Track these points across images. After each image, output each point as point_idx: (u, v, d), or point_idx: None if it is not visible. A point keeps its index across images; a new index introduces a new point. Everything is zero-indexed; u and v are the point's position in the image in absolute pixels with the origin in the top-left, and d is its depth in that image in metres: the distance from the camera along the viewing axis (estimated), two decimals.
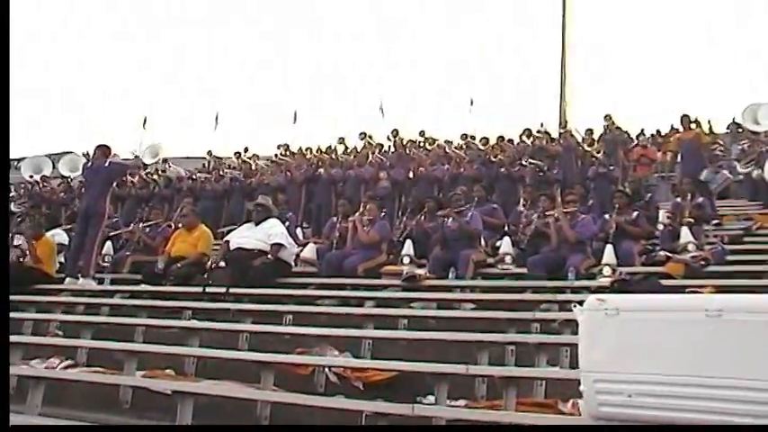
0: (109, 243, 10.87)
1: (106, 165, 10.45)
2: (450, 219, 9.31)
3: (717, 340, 3.27)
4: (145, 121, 22.81)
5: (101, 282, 10.00)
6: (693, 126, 13.91)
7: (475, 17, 57.00)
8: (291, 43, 66.16)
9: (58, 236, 11.14)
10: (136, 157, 12.01)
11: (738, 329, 3.24)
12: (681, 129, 14.17)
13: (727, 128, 17.32)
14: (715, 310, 3.30)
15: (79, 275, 9.64)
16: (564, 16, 26.73)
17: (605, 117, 16.13)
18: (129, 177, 15.45)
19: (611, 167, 12.99)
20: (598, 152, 13.57)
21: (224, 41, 65.77)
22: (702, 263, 8.25)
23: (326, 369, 6.11)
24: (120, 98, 55.62)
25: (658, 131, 19.26)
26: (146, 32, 62.27)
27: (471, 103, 22.93)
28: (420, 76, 60.35)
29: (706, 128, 15.38)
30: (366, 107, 32.13)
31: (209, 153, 20.87)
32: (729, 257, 8.88)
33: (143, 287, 9.47)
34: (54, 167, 16.63)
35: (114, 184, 11.21)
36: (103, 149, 10.60)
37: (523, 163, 13.35)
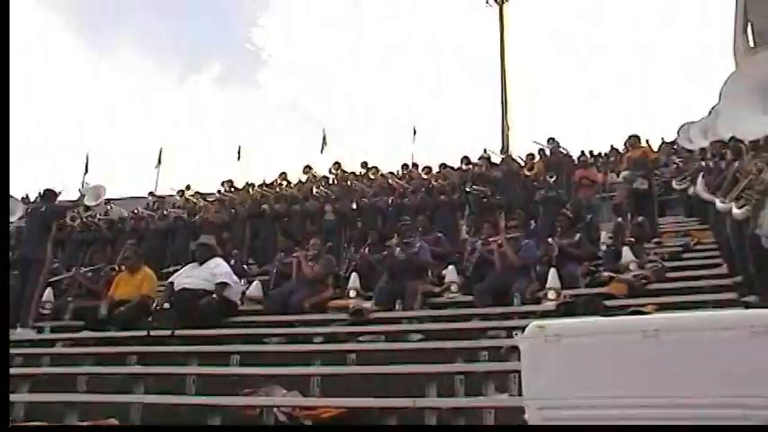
0: (49, 289, 10.59)
1: (42, 209, 10.21)
2: (398, 249, 9.31)
3: (655, 360, 3.29)
4: (87, 160, 22.53)
5: (40, 330, 9.73)
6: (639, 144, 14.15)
7: (415, 45, 57.69)
8: (232, 80, 66.03)
9: None
10: (81, 196, 11.70)
11: (675, 348, 3.26)
12: (624, 149, 14.39)
13: (659, 148, 17.70)
14: (652, 330, 3.33)
15: (18, 325, 9.33)
16: (502, 42, 27.35)
17: (549, 140, 16.38)
18: (68, 220, 15.16)
19: (560, 191, 13.16)
20: (542, 176, 13.73)
21: (163, 78, 65.25)
22: (644, 281, 8.42)
23: (275, 409, 6.02)
24: (58, 138, 54.60)
25: (600, 153, 19.66)
26: (84, 68, 61.34)
27: (414, 132, 23.23)
28: (362, 105, 60.72)
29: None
30: (308, 140, 32.18)
31: (151, 193, 20.66)
32: (670, 274, 9.05)
33: (86, 334, 9.24)
34: None
35: (53, 227, 10.92)
36: (49, 194, 10.37)
37: (467, 189, 13.45)
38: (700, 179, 9.38)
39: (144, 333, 8.52)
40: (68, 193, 11.77)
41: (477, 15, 44.07)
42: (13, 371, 7.80)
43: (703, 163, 10.70)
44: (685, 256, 10.45)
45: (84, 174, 24.41)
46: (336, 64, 62.98)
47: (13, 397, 6.83)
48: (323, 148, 21.53)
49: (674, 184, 13.20)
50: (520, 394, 3.67)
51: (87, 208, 15.24)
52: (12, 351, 8.64)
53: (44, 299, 10.30)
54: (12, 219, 15.14)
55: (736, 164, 7.93)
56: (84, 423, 6.11)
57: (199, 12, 64.73)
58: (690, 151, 13.99)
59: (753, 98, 7.38)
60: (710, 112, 11.91)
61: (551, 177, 13.64)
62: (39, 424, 4.84)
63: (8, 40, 5.94)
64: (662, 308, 6.84)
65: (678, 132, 14.45)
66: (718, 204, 7.52)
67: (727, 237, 7.64)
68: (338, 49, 63.70)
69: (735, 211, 6.78)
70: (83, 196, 11.66)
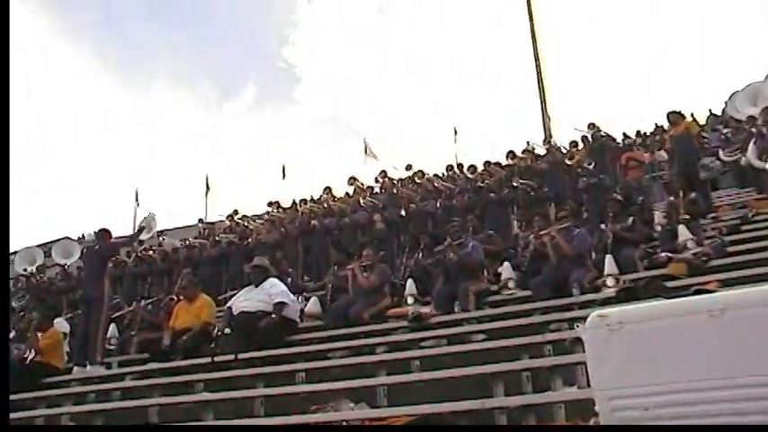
0: (113, 325, 10.81)
1: (97, 248, 10.44)
2: (451, 252, 9.27)
3: (724, 339, 3.22)
4: (137, 194, 23.00)
5: (109, 366, 9.94)
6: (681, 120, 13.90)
7: (446, 47, 57.62)
8: (268, 101, 66.72)
9: (61, 325, 11.03)
10: (139, 230, 11.93)
11: (744, 326, 3.19)
12: (668, 126, 14.13)
13: (706, 121, 17.34)
14: (717, 309, 3.26)
15: (87, 363, 9.55)
16: (533, 32, 27.14)
17: (589, 126, 16.19)
18: (124, 256, 15.47)
19: (602, 176, 12.98)
20: (588, 163, 13.56)
21: (200, 107, 66.27)
22: (704, 258, 8.23)
23: (344, 423, 6.03)
24: (108, 177, 55.77)
25: (644, 132, 19.32)
26: (124, 106, 62.69)
27: (455, 132, 23.15)
28: (399, 112, 60.79)
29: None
30: (350, 152, 32.24)
31: (201, 220, 20.94)
32: (730, 249, 8.84)
33: (152, 365, 9.40)
34: (48, 256, 16.58)
35: (109, 264, 11.16)
36: (103, 234, 10.59)
37: (514, 184, 13.34)
38: (751, 146, 9.15)
39: (208, 360, 8.64)
40: (122, 229, 12.04)
41: (506, 11, 43.92)
42: (86, 407, 8.01)
43: (753, 130, 10.42)
44: (744, 228, 10.19)
45: (136, 208, 24.93)
46: (370, 73, 63.12)
47: None
48: (366, 158, 21.56)
49: (723, 156, 12.92)
50: (588, 386, 3.61)
51: (141, 242, 15.52)
52: (82, 388, 8.88)
53: (109, 335, 10.52)
54: (70, 260, 15.57)
55: None
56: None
57: (227, 36, 65.49)
58: (739, 121, 13.70)
59: None
60: (765, 79, 11.63)
61: (590, 164, 13.43)
62: (39, 424, 4.91)
63: (8, 40, 6.04)
64: (725, 284, 6.70)
65: (726, 103, 14.16)
66: None
67: None
68: (370, 59, 63.85)
69: None
70: (139, 231, 11.86)
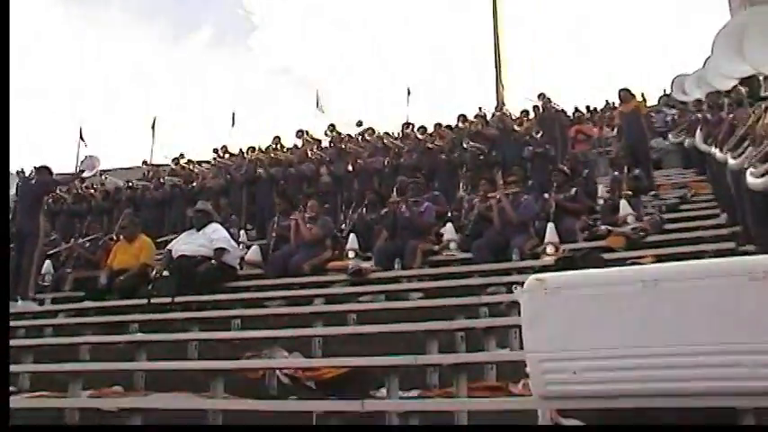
0: (48, 261, 10.60)
1: (34, 183, 10.18)
2: (404, 207, 9.27)
3: (655, 309, 3.30)
4: (81, 132, 22.42)
5: (41, 303, 9.75)
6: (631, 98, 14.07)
7: (408, 6, 57.20)
8: (223, 45, 65.52)
9: None
10: (80, 171, 11.63)
11: (675, 297, 3.26)
12: (618, 103, 14.31)
13: (658, 101, 17.60)
14: (651, 279, 3.33)
15: (18, 298, 9.35)
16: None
17: (539, 96, 16.28)
18: (61, 192, 15.15)
19: (548, 146, 13.11)
20: (536, 132, 13.67)
21: (152, 43, 64.70)
22: (642, 234, 8.44)
23: (277, 371, 6.05)
24: (51, 110, 54.23)
25: (594, 108, 19.56)
26: (73, 38, 60.78)
27: (408, 92, 23.07)
28: (355, 68, 60.30)
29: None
30: (302, 104, 31.96)
31: (145, 162, 20.59)
32: (667, 226, 9.07)
33: (86, 304, 9.26)
34: None
35: (45, 200, 10.91)
36: (43, 170, 10.32)
37: (464, 146, 13.38)
38: (698, 131, 9.36)
39: (144, 301, 8.55)
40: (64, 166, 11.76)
41: None
42: (16, 342, 7.84)
43: (700, 115, 10.63)
44: (683, 207, 10.46)
45: (79, 146, 24.30)
46: (328, 27, 62.32)
47: (17, 368, 6.88)
48: (317, 111, 21.34)
49: (671, 137, 13.17)
50: (521, 349, 3.67)
51: (82, 180, 15.21)
52: (14, 323, 8.66)
53: (44, 271, 10.32)
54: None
55: (731, 116, 7.92)
56: (88, 392, 6.13)
57: None
58: (684, 103, 13.94)
59: (747, 47, 7.34)
60: (705, 64, 11.87)
61: (538, 133, 13.57)
62: (39, 424, 4.86)
63: (8, 40, 5.85)
64: (660, 259, 6.84)
65: (672, 85, 14.40)
66: (718, 155, 7.50)
67: (726, 187, 7.62)
68: (329, 13, 62.99)
69: (730, 162, 6.75)
70: (81, 171, 11.59)
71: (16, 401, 6.15)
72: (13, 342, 7.89)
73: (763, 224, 6.40)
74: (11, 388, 6.59)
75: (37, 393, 6.41)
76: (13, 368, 6.83)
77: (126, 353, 7.01)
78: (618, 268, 4.00)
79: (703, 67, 11.96)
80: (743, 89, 8.48)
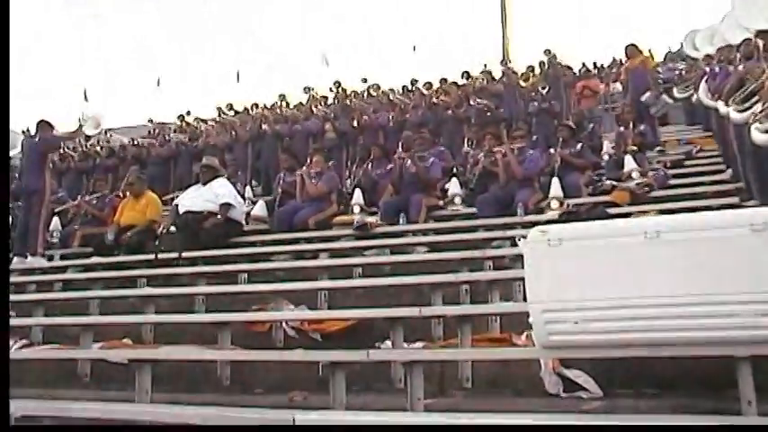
0: (56, 218, 10.66)
1: (37, 140, 10.20)
2: (410, 162, 9.28)
3: (656, 261, 3.33)
4: (85, 92, 22.32)
5: (50, 258, 9.85)
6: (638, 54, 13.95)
7: None
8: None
9: None
10: (79, 126, 11.61)
11: (677, 248, 3.29)
12: (625, 59, 14.20)
13: (665, 57, 17.44)
14: (653, 231, 3.36)
15: (27, 254, 9.44)
16: None
17: (545, 52, 16.15)
18: (67, 150, 15.18)
19: (553, 102, 13.05)
20: (542, 87, 13.62)
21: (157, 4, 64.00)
22: (646, 189, 8.44)
23: (283, 324, 6.13)
24: (56, 70, 53.85)
25: (601, 64, 19.42)
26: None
27: (414, 49, 22.90)
28: (361, 24, 59.64)
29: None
30: (309, 60, 31.67)
31: (151, 120, 20.55)
32: (672, 181, 9.08)
33: (94, 259, 9.36)
34: None
35: (50, 158, 10.96)
36: (44, 125, 10.32)
37: (471, 103, 13.33)
38: (702, 84, 9.26)
39: (151, 256, 8.63)
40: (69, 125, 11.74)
41: None
42: (27, 297, 7.97)
43: (707, 69, 10.51)
44: (688, 163, 10.44)
45: (84, 104, 24.17)
46: None
47: (29, 321, 7.00)
48: (323, 69, 21.19)
49: (676, 93, 13.05)
50: (525, 301, 3.71)
51: (88, 137, 15.22)
52: (24, 279, 8.81)
53: (52, 228, 10.39)
54: (12, 152, 15.14)
55: (741, 67, 7.80)
56: (98, 344, 6.22)
57: None
58: (694, 59, 13.79)
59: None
60: (723, 21, 11.65)
61: (544, 89, 13.52)
62: (38, 424, 4.94)
63: (8, 40, 5.80)
64: (664, 214, 6.87)
65: (684, 41, 14.21)
66: (722, 109, 7.43)
67: (730, 142, 7.59)
68: None
69: (734, 116, 6.68)
70: (81, 126, 11.57)
71: (31, 353, 6.32)
72: (24, 297, 8.07)
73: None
74: (23, 341, 6.75)
75: (49, 347, 6.53)
76: (26, 321, 6.99)
77: (134, 307, 7.11)
78: (621, 220, 4.03)
79: (721, 23, 11.75)
80: (760, 42, 8.28)
